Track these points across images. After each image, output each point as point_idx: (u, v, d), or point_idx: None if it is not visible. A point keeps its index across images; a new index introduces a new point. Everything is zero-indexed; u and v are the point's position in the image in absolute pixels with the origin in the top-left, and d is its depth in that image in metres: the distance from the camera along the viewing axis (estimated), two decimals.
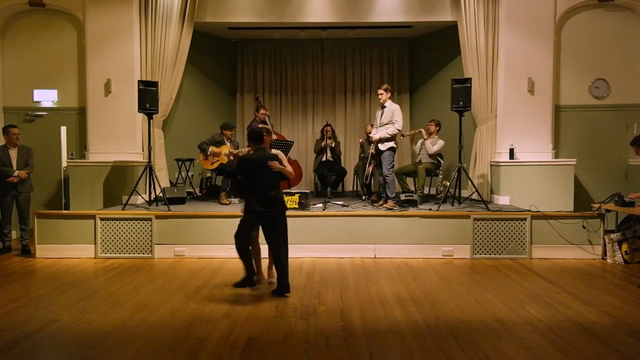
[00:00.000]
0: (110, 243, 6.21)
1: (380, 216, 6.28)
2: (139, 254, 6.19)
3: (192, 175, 8.30)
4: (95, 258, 6.16)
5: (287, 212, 6.26)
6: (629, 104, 7.54)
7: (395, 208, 6.53)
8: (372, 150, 7.01)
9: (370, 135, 6.78)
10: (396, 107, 6.63)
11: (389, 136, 6.54)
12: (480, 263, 5.95)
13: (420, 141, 7.56)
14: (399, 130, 6.56)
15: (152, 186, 6.78)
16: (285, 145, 7.68)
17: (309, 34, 8.87)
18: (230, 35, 9.12)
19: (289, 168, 4.83)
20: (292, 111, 9.67)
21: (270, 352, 3.39)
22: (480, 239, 6.15)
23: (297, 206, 6.40)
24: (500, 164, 7.27)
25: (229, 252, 6.06)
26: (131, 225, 6.20)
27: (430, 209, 6.45)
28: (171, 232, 6.20)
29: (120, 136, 7.37)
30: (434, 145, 7.36)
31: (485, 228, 6.15)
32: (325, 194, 7.95)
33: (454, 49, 7.93)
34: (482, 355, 3.32)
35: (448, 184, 7.09)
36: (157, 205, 6.82)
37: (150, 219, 6.18)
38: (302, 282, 5.10)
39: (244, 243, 4.63)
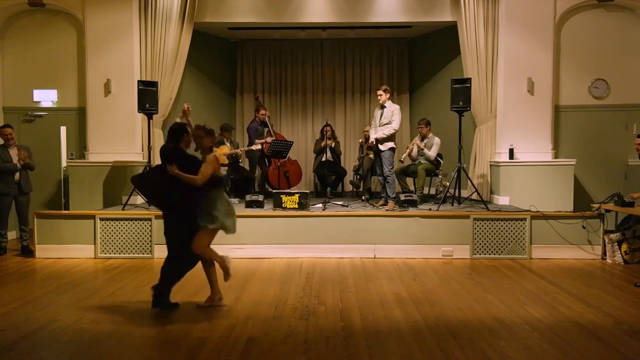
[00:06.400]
0: (110, 243, 6.20)
1: (380, 216, 6.28)
2: (138, 254, 6.19)
3: None
4: (95, 258, 6.16)
5: (287, 212, 6.34)
6: (628, 104, 7.54)
7: (396, 208, 6.52)
8: (371, 155, 6.99)
9: (370, 141, 6.74)
10: (396, 107, 6.63)
11: (385, 136, 6.53)
12: (480, 263, 5.95)
13: (415, 148, 7.49)
14: (394, 130, 6.54)
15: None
16: (285, 146, 7.68)
17: (309, 34, 8.87)
18: (230, 35, 9.11)
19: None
20: (292, 111, 9.66)
21: (270, 352, 3.39)
22: (480, 239, 6.16)
23: (297, 206, 6.40)
24: (500, 164, 7.27)
25: (229, 253, 6.05)
26: (131, 225, 6.20)
27: (430, 209, 6.45)
28: None
29: (120, 136, 7.37)
30: (431, 149, 7.31)
31: (485, 228, 6.15)
32: (325, 194, 7.95)
33: (454, 49, 7.92)
34: (482, 355, 3.32)
35: (448, 184, 7.08)
36: None
37: (150, 219, 6.17)
38: (302, 282, 5.10)
39: None
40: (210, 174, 4.03)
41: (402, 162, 7.66)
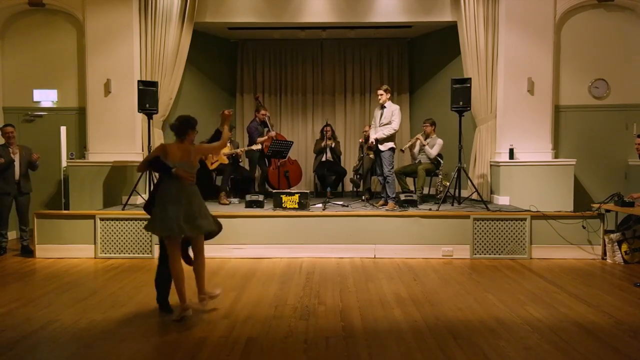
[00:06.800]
0: (110, 243, 6.20)
1: (380, 216, 6.28)
2: (139, 254, 6.19)
3: None
4: (95, 258, 6.16)
5: (287, 212, 6.34)
6: (629, 104, 7.54)
7: (396, 208, 6.52)
8: (371, 155, 7.00)
9: (370, 141, 6.75)
10: (396, 107, 6.63)
11: (385, 136, 6.53)
12: (480, 263, 5.95)
13: (418, 143, 7.52)
14: (394, 130, 6.55)
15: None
16: (285, 146, 7.68)
17: (309, 34, 8.87)
18: (230, 35, 9.11)
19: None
20: (292, 111, 9.66)
21: (270, 352, 3.39)
22: (480, 239, 6.15)
23: (297, 206, 6.40)
24: (500, 164, 7.27)
25: (229, 253, 6.10)
26: (131, 225, 6.19)
27: (430, 209, 6.45)
28: None
29: (120, 136, 7.37)
30: (433, 147, 7.34)
31: (485, 228, 6.15)
32: (325, 194, 7.95)
33: (454, 49, 7.93)
34: (482, 355, 3.32)
35: (448, 184, 7.09)
36: None
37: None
38: (301, 282, 5.10)
39: None
40: (149, 159, 4.07)
41: (402, 151, 7.68)
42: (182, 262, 4.10)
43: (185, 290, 4.02)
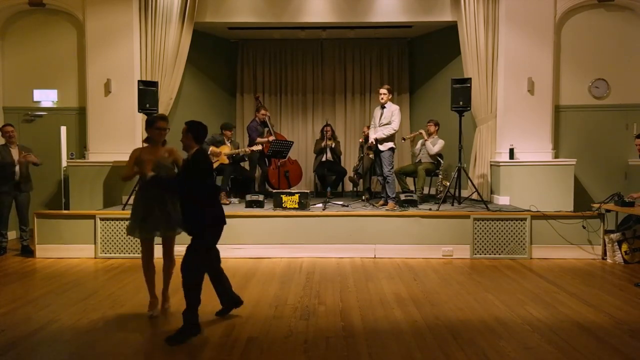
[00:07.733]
0: (110, 243, 6.20)
1: (380, 216, 6.28)
2: (139, 254, 6.13)
3: None
4: (95, 258, 6.16)
5: (287, 212, 6.34)
6: (629, 104, 7.54)
7: (396, 208, 6.53)
8: (371, 155, 7.01)
9: (370, 141, 6.75)
10: (396, 108, 6.63)
11: (385, 137, 6.54)
12: (480, 263, 5.95)
13: (420, 142, 7.57)
14: (394, 130, 6.55)
15: None
16: (285, 146, 7.68)
17: (309, 34, 8.87)
18: (230, 35, 9.11)
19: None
20: (292, 111, 9.66)
21: (270, 352, 3.39)
22: (480, 239, 6.15)
23: (297, 206, 6.40)
24: (500, 163, 7.27)
25: (229, 252, 6.08)
26: None
27: (430, 209, 6.45)
28: None
29: (120, 136, 7.38)
30: (435, 145, 7.36)
31: (485, 228, 6.15)
32: (325, 194, 7.95)
33: (454, 49, 7.93)
34: (482, 355, 3.32)
35: (448, 184, 7.09)
36: None
37: None
38: (302, 282, 5.10)
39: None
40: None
41: (403, 140, 7.72)
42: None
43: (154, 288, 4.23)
